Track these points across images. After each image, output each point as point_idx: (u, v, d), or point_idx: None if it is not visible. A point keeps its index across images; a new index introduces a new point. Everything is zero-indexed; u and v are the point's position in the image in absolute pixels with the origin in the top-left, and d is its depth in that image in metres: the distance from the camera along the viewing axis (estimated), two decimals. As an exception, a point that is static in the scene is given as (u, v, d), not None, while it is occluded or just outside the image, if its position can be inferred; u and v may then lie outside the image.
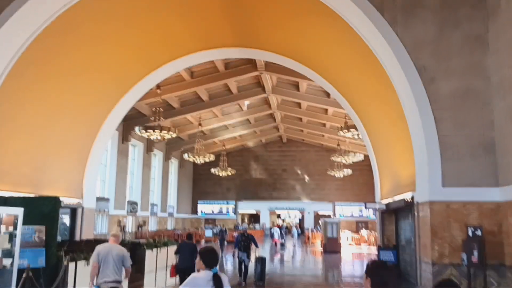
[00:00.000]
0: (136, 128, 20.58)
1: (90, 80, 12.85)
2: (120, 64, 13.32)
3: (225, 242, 24.24)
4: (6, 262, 7.45)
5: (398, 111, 10.04)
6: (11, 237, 7.50)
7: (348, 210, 41.45)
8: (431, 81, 8.95)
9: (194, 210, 43.19)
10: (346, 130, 19.63)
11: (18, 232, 7.45)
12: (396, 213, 12.38)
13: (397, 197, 11.10)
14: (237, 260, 12.51)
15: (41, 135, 11.97)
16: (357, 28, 9.63)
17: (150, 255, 13.33)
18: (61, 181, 13.12)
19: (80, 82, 12.49)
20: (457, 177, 8.81)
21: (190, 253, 9.22)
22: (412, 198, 9.95)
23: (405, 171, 10.73)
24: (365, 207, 12.89)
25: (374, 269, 3.20)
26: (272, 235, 28.76)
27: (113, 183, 26.50)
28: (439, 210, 8.83)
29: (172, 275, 9.62)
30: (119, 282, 6.22)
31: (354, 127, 19.54)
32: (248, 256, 12.25)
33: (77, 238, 13.73)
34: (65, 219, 13.82)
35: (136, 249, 13.23)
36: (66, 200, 12.81)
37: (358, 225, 40.62)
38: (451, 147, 8.90)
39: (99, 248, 6.46)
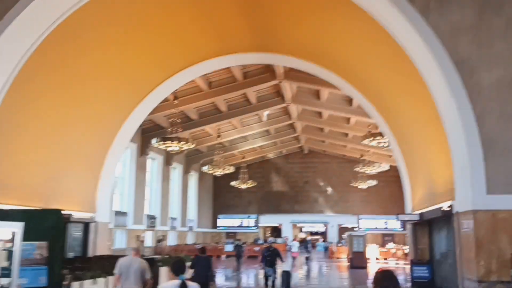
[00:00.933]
0: (153, 140, 20.07)
1: (103, 88, 12.33)
2: (135, 71, 12.78)
3: (242, 258, 23.15)
4: (5, 281, 6.81)
5: (431, 110, 9.09)
6: (10, 254, 6.86)
7: (373, 223, 39.98)
8: (470, 72, 7.99)
9: (215, 224, 42.39)
10: (371, 138, 18.64)
11: (17, 249, 6.79)
12: (430, 224, 11.36)
13: (432, 207, 10.09)
14: (263, 275, 12.41)
15: (51, 146, 11.44)
16: (383, 20, 8.79)
17: (165, 272, 12.56)
18: (73, 194, 12.54)
19: (93, 90, 11.97)
20: (505, 181, 7.79)
21: (205, 268, 9.08)
22: (451, 207, 8.95)
23: (441, 177, 9.75)
24: (398, 219, 11.72)
25: (380, 279, 3.02)
26: (289, 249, 27.92)
27: (132, 197, 25.99)
28: (484, 220, 7.82)
29: None
30: None
31: (380, 134, 18.59)
32: (275, 271, 12.15)
33: (90, 253, 13.09)
34: (78, 234, 13.22)
35: (151, 265, 12.52)
36: (78, 214, 12.21)
37: (384, 238, 39.06)
38: (496, 145, 7.88)
39: (121, 260, 7.05)
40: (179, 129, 20.42)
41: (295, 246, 26.05)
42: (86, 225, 13.23)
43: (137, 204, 26.47)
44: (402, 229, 40.26)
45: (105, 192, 14.11)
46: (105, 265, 11.23)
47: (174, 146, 19.65)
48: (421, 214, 11.14)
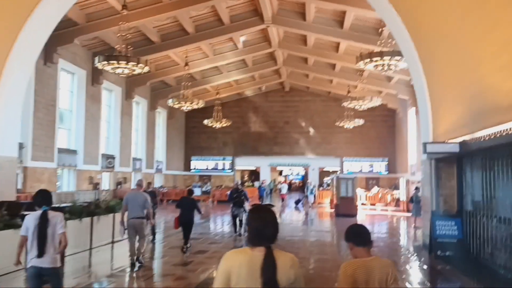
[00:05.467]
0: (96, 59, 15.96)
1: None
2: None
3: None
4: None
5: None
6: None
7: (358, 166, 37.28)
8: None
9: (187, 167, 39.12)
10: (368, 60, 14.88)
11: None
12: (461, 160, 8.01)
13: (484, 131, 6.51)
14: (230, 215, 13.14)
15: None
16: None
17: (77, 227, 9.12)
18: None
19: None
20: None
21: (190, 207, 10.17)
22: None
23: (497, 87, 6.24)
24: (425, 152, 8.05)
25: (352, 233, 2.89)
26: (280, 191, 29.71)
27: (82, 133, 22.14)
28: None
29: (176, 227, 10.22)
30: (142, 218, 8.33)
31: (379, 54, 14.89)
32: (244, 210, 12.66)
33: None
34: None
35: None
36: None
37: (368, 182, 36.49)
38: None
39: (128, 194, 8.64)
40: (130, 47, 16.29)
41: (285, 188, 28.29)
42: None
43: (90, 142, 22.70)
44: (387, 172, 38.31)
45: (8, 116, 10.22)
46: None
47: (122, 68, 15.60)
48: (462, 144, 7.70)
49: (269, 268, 2.24)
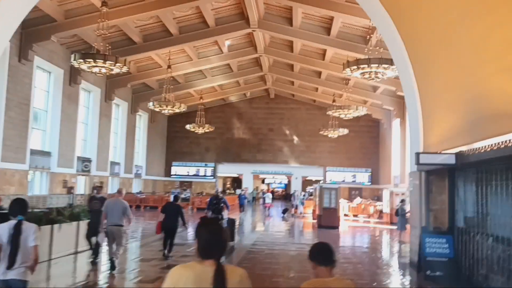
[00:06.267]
0: (72, 56, 15.19)
1: None
2: None
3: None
4: None
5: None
6: None
7: (341, 176, 36.92)
8: None
9: (168, 172, 38.25)
10: (355, 67, 14.42)
11: None
12: (453, 173, 7.48)
13: (484, 142, 5.95)
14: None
15: None
16: None
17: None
18: None
19: None
20: None
21: (175, 214, 9.94)
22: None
23: (499, 90, 5.73)
24: (417, 163, 7.40)
25: (316, 252, 2.81)
26: (263, 199, 28.95)
27: (57, 135, 21.21)
28: None
29: (157, 232, 10.06)
30: (121, 225, 8.37)
31: (366, 62, 14.45)
32: (222, 218, 12.51)
33: None
34: None
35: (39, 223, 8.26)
36: None
37: (351, 192, 36.11)
38: None
39: (107, 201, 8.70)
40: (108, 45, 15.57)
41: (269, 197, 27.61)
42: None
43: (65, 144, 21.77)
44: (370, 183, 38.02)
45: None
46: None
47: (99, 67, 14.86)
48: (459, 155, 7.15)
49: (219, 282, 2.23)
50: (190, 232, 14.69)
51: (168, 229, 9.72)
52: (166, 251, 9.86)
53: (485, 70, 6.23)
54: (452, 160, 6.96)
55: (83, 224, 9.28)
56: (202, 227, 2.41)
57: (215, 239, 2.32)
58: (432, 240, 7.19)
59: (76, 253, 9.42)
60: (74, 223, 9.07)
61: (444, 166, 7.22)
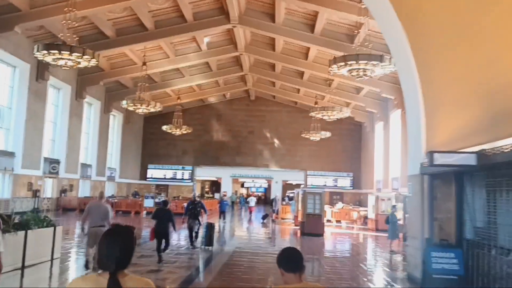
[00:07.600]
0: (35, 48, 13.87)
1: None
2: None
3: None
4: None
5: None
6: None
7: (322, 180, 36.11)
8: None
9: (143, 175, 36.79)
10: (342, 63, 13.49)
11: None
12: (463, 178, 6.48)
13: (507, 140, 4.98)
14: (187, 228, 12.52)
15: None
16: None
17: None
18: None
19: None
20: None
21: (167, 219, 9.94)
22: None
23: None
24: (431, 163, 6.35)
25: (284, 257, 2.63)
26: (247, 203, 29.22)
27: (21, 134, 19.71)
28: None
29: (151, 238, 10.12)
30: (103, 226, 8.19)
31: (354, 58, 13.53)
32: (199, 223, 12.45)
33: None
34: None
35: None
36: None
37: (332, 197, 35.29)
38: None
39: (90, 203, 8.93)
40: (75, 36, 14.31)
41: (253, 201, 27.59)
42: None
43: (31, 143, 20.27)
44: (352, 187, 37.31)
45: None
46: None
47: (65, 59, 13.57)
48: (481, 155, 5.95)
49: None
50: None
51: (162, 234, 9.74)
52: (161, 254, 9.71)
53: (502, 62, 5.31)
54: (472, 161, 5.91)
55: (31, 234, 7.98)
56: (105, 236, 2.20)
57: (111, 251, 2.13)
58: (438, 254, 6.23)
59: (23, 267, 7.93)
60: (21, 233, 7.66)
61: (460, 168, 6.20)
